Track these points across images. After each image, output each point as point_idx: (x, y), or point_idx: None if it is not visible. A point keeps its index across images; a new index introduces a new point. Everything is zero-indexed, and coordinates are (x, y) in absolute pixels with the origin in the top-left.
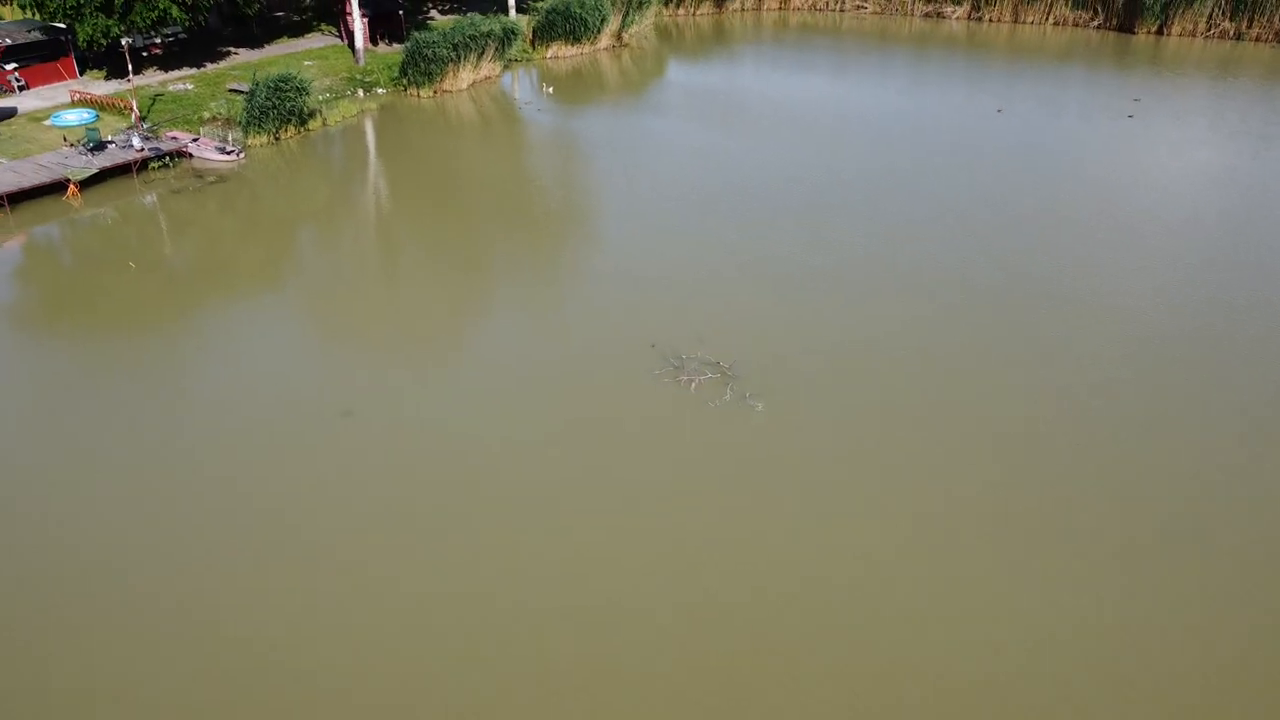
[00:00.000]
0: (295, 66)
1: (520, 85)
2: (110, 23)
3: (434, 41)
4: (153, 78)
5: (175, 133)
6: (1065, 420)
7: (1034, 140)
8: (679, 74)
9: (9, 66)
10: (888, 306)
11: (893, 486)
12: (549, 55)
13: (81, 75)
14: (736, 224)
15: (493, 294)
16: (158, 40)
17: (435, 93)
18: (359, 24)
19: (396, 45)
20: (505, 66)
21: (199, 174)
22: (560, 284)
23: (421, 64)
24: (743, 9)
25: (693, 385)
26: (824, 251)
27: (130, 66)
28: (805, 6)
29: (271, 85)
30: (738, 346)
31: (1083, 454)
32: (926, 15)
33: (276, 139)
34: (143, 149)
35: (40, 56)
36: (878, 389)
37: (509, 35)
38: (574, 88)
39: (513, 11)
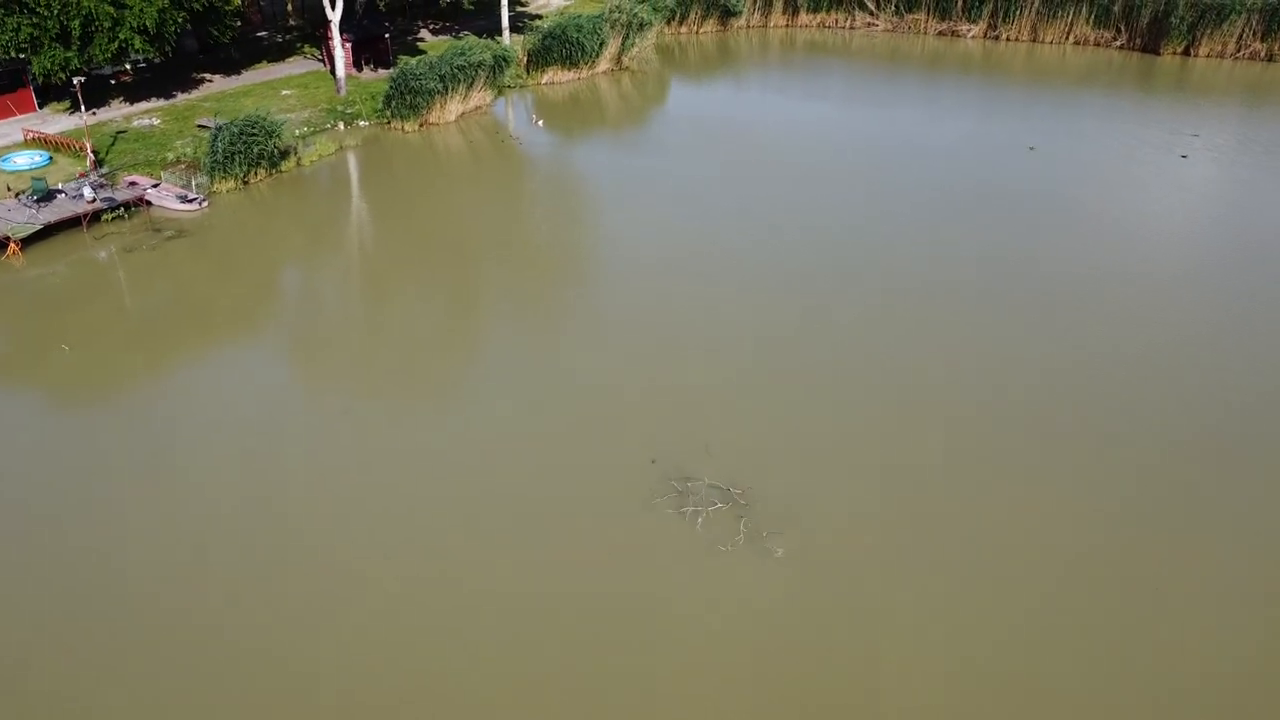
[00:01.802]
0: (272, 97)
1: (512, 115)
2: (69, 54)
3: (420, 73)
4: (117, 110)
5: (135, 177)
6: (1137, 571)
7: (1077, 188)
8: (680, 101)
9: None
10: (926, 419)
11: (950, 670)
12: (544, 81)
13: (42, 108)
14: (743, 297)
15: (467, 386)
16: (126, 67)
17: (421, 125)
18: (339, 51)
19: (383, 71)
20: (498, 94)
21: (157, 227)
22: (545, 372)
23: (406, 96)
24: (748, 26)
25: (699, 520)
26: (843, 339)
27: (83, 107)
28: (813, 24)
29: (236, 129)
30: (751, 462)
31: (1137, 592)
32: (941, 33)
33: (245, 183)
34: (94, 199)
35: None
36: (920, 528)
37: (501, 63)
38: (569, 118)
39: (507, 35)
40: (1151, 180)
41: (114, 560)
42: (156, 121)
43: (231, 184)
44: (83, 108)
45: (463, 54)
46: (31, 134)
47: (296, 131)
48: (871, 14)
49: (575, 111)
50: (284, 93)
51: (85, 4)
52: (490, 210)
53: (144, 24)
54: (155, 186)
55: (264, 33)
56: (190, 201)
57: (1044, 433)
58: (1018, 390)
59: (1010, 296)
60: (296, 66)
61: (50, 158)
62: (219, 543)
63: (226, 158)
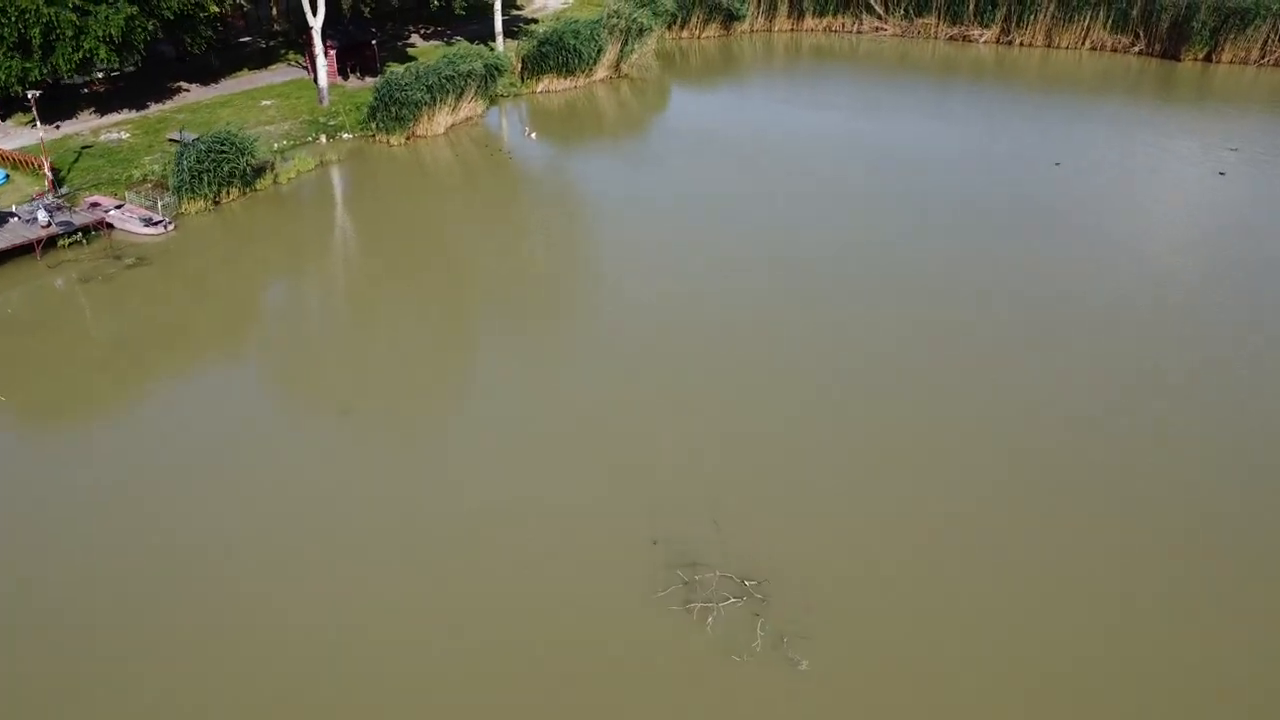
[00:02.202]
0: (251, 108)
1: (506, 126)
2: (29, 64)
3: (406, 83)
4: (85, 123)
5: (98, 198)
6: (1200, 668)
7: (1110, 209)
8: (681, 110)
9: None
10: (963, 484)
11: None
12: (539, 89)
13: (4, 120)
14: (750, 334)
15: (447, 436)
16: (98, 77)
17: (408, 138)
18: (321, 59)
19: (369, 80)
20: (490, 103)
21: (118, 253)
22: (532, 424)
23: (392, 108)
24: (751, 30)
25: (709, 619)
26: (865, 388)
27: (39, 121)
28: (819, 28)
29: (203, 147)
30: (767, 541)
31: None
32: (952, 38)
33: (216, 203)
34: (49, 224)
35: None
36: (971, 631)
37: (493, 72)
38: (564, 129)
39: (500, 41)
40: (1187, 198)
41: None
42: (125, 135)
43: (201, 204)
44: (38, 123)
45: (452, 63)
46: None
47: (275, 146)
48: (880, 18)
49: (571, 121)
50: (264, 103)
51: (45, 12)
52: (479, 232)
53: (109, 33)
54: (119, 208)
55: (248, 38)
56: (155, 224)
57: (1090, 508)
58: (1053, 450)
59: (1045, 339)
60: (279, 74)
61: (6, 176)
62: (175, 587)
63: (194, 177)
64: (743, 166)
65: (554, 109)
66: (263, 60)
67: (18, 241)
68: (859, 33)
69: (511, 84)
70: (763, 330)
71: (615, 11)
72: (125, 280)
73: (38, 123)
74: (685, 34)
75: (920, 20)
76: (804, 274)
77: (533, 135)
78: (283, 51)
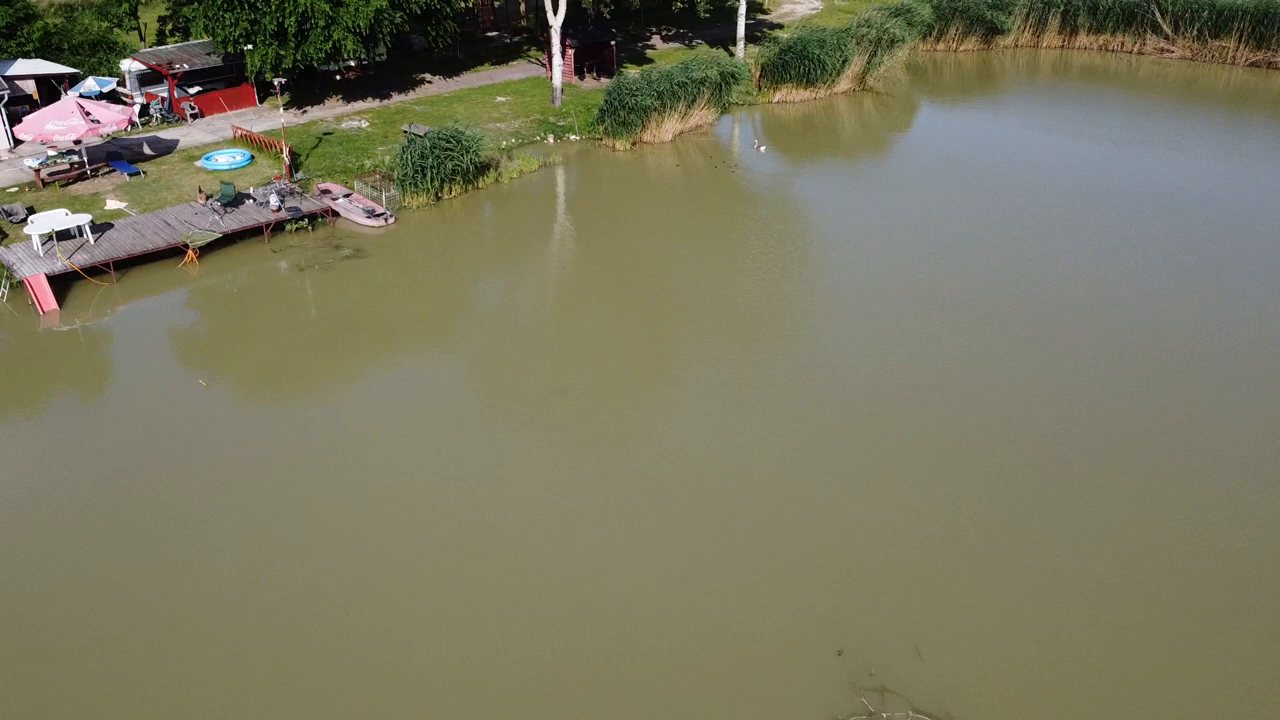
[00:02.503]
0: (485, 104)
1: (736, 136)
2: (284, 52)
3: (636, 89)
4: (331, 109)
5: (329, 185)
6: None
7: None
8: (927, 131)
9: (190, 91)
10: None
11: None
12: (776, 99)
13: (261, 103)
14: (986, 407)
15: (622, 481)
16: (351, 64)
17: (634, 143)
18: (558, 59)
19: (605, 80)
20: (723, 111)
21: (337, 243)
22: (718, 477)
23: (620, 112)
24: (1016, 45)
25: None
26: (1114, 495)
27: (282, 107)
28: (1093, 47)
29: (428, 143)
30: (981, 680)
31: None
32: (1253, 64)
33: (438, 198)
34: (279, 209)
35: (222, 82)
36: None
37: (728, 80)
38: (798, 144)
39: (741, 46)
40: None
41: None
42: (365, 124)
43: (424, 198)
44: (281, 109)
45: (686, 69)
46: (240, 131)
47: (503, 143)
48: (1166, 38)
49: (807, 136)
50: (498, 99)
51: (302, 1)
52: (692, 250)
53: (358, 24)
54: (347, 197)
55: (495, 32)
56: (376, 217)
57: None
58: None
59: None
60: (518, 71)
61: (251, 157)
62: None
63: (417, 172)
64: (990, 202)
65: (789, 121)
66: (505, 56)
67: (249, 225)
68: (1140, 53)
69: (747, 92)
70: (993, 388)
71: (866, 21)
72: (341, 270)
73: (281, 108)
74: (941, 46)
75: (1216, 42)
76: (1054, 337)
77: (762, 149)
78: (526, 48)
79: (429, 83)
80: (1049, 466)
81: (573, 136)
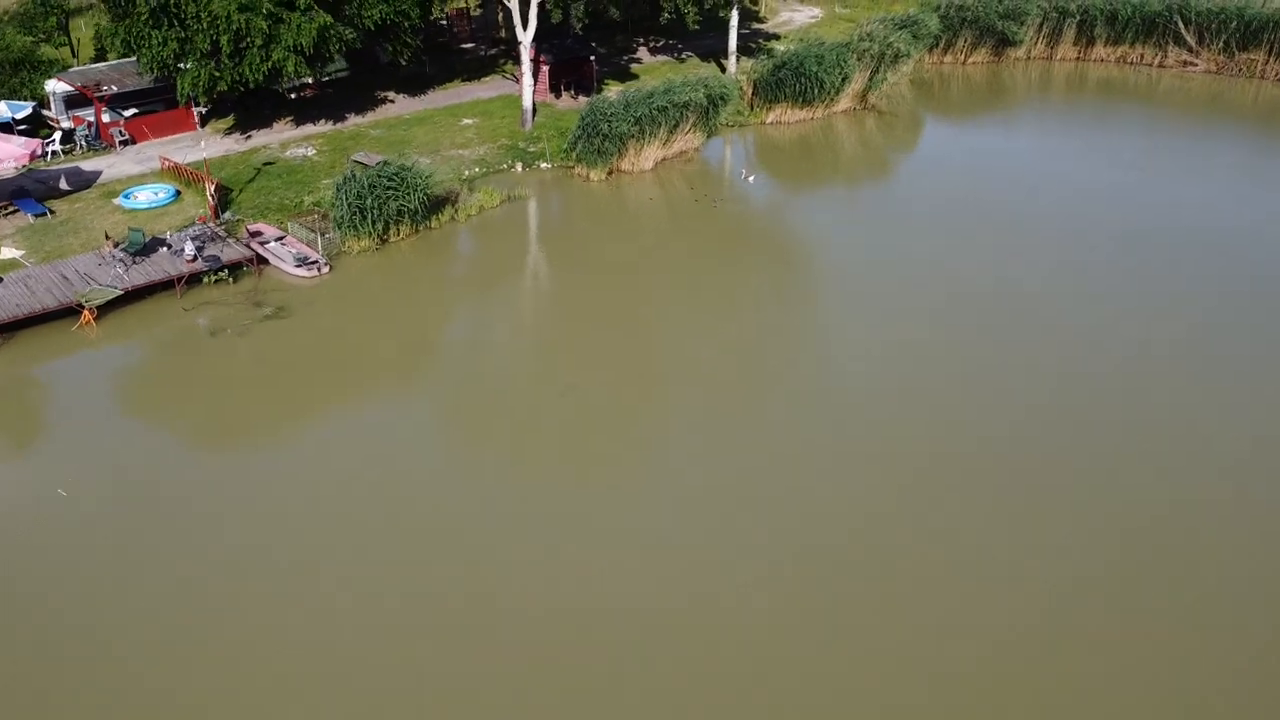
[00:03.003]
0: (449, 127)
1: (727, 160)
2: (218, 74)
3: (612, 114)
4: (278, 134)
5: (260, 225)
6: None
7: None
8: (933, 154)
9: (125, 115)
10: None
11: None
12: (770, 119)
13: (203, 127)
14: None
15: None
16: (308, 82)
17: (611, 173)
18: (528, 78)
19: (584, 99)
20: (710, 134)
21: (258, 299)
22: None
23: (595, 140)
24: (1028, 57)
25: None
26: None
27: (202, 134)
28: (1111, 58)
29: (366, 181)
30: None
31: None
32: None
33: (384, 240)
34: (195, 258)
35: (161, 104)
36: None
37: (716, 103)
38: (790, 171)
39: (733, 61)
40: None
41: None
42: (312, 152)
43: (366, 242)
44: (223, 134)
45: (669, 92)
46: (167, 163)
47: (465, 173)
48: (1190, 50)
49: (802, 162)
50: (465, 121)
51: (235, 19)
52: (669, 304)
53: (299, 43)
54: (280, 240)
55: (472, 44)
56: (309, 265)
57: None
58: None
59: None
60: (490, 88)
61: (177, 194)
62: None
63: (355, 214)
64: (998, 241)
65: (783, 143)
66: (479, 70)
67: (157, 278)
68: (1161, 66)
69: (739, 112)
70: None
71: (869, 34)
72: (259, 335)
73: (222, 135)
74: (948, 59)
75: (1243, 55)
76: (1077, 412)
77: (751, 179)
78: (502, 62)
79: (391, 102)
80: (1094, 582)
81: (544, 164)
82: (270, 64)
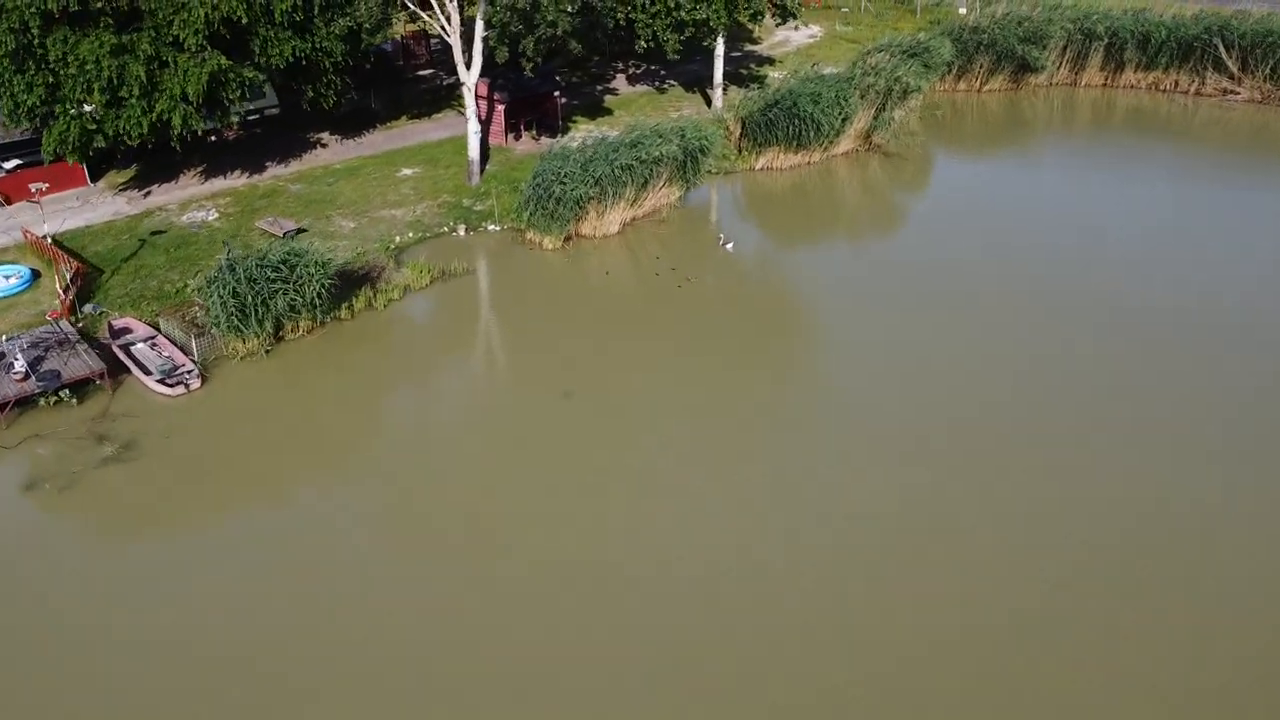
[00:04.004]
0: (384, 180)
1: (713, 212)
2: (92, 127)
3: (566, 175)
4: (181, 190)
5: (129, 320)
6: None
7: None
8: (941, 204)
9: (7, 167)
10: None
11: None
12: (759, 165)
13: (95, 182)
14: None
15: None
16: (232, 122)
17: (568, 239)
18: (473, 123)
19: (548, 141)
20: (688, 188)
21: (106, 428)
22: None
23: (547, 203)
24: (1050, 84)
25: None
26: None
27: (44, 215)
28: (1142, 84)
29: (243, 273)
30: None
31: None
32: None
33: (278, 338)
34: (26, 374)
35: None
36: None
37: (694, 156)
38: (782, 229)
39: (719, 94)
40: None
41: None
42: (213, 216)
43: (253, 343)
44: (43, 217)
45: (635, 145)
46: (30, 237)
47: (395, 240)
48: (1232, 77)
49: (794, 218)
50: (403, 172)
51: (106, 64)
52: (621, 426)
53: (187, 91)
54: (150, 340)
55: (430, 70)
56: (175, 379)
57: None
58: None
59: None
60: (441, 127)
61: (33, 277)
62: None
63: (233, 314)
64: (1019, 325)
65: (774, 194)
66: (432, 105)
67: None
68: (1198, 94)
69: (724, 156)
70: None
71: (873, 67)
72: (86, 490)
73: (45, 220)
74: (962, 86)
75: None
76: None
77: (729, 245)
78: (459, 93)
79: (322, 146)
80: None
81: (491, 226)
82: (154, 116)
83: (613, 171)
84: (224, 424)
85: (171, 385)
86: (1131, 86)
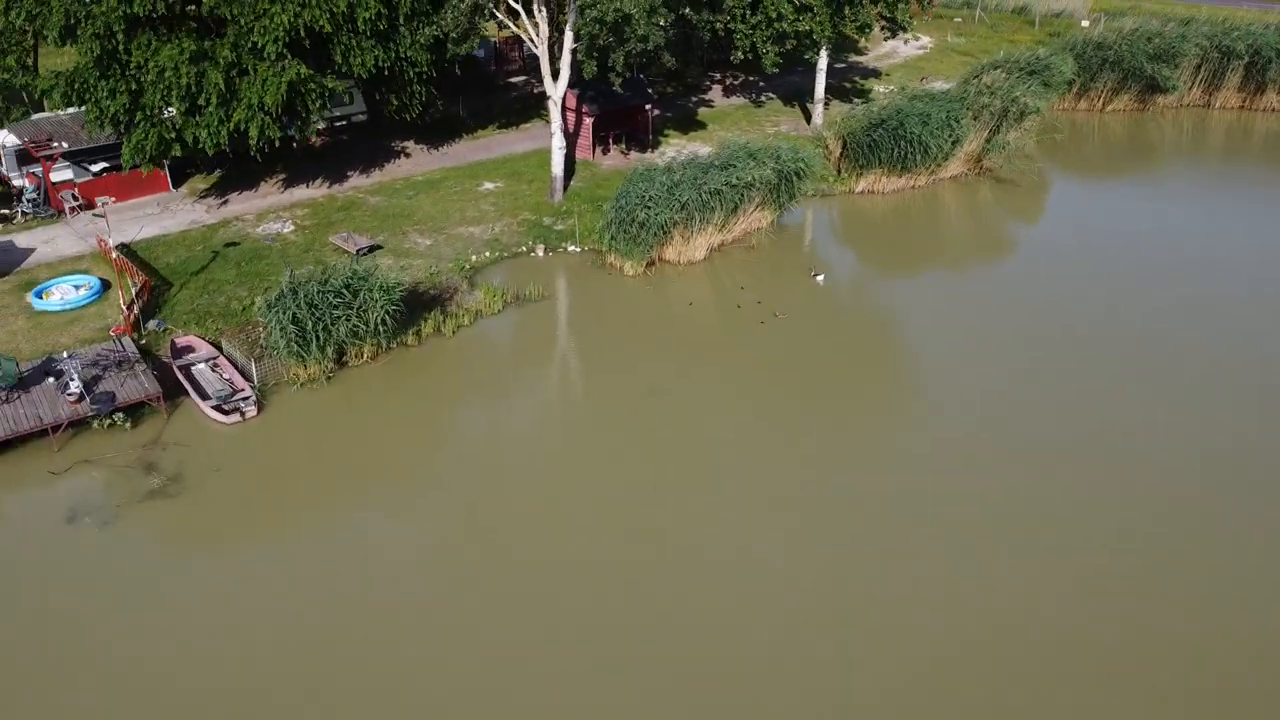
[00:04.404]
0: (465, 194)
1: (796, 251)
2: (169, 136)
3: (650, 200)
4: (261, 199)
5: (191, 339)
6: None
7: None
8: (1061, 238)
9: (93, 170)
10: None
11: None
12: (860, 188)
13: (177, 188)
14: None
15: None
16: (319, 126)
17: (651, 264)
18: (558, 138)
19: (637, 155)
20: (781, 212)
21: (156, 456)
22: None
23: (630, 227)
24: (1180, 104)
25: None
26: None
27: (108, 229)
28: None
29: (306, 296)
30: None
31: None
32: None
33: (341, 364)
34: (81, 396)
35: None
36: None
37: (790, 178)
38: (884, 259)
39: (819, 110)
40: None
41: None
42: (289, 228)
43: (315, 368)
44: (109, 233)
45: (727, 168)
46: (103, 245)
47: (471, 259)
48: None
49: (893, 247)
50: (484, 186)
51: (185, 71)
52: (686, 476)
53: (263, 100)
54: (212, 362)
55: (522, 78)
56: (231, 407)
57: None
58: None
59: None
60: (528, 138)
61: (102, 287)
62: None
63: (295, 341)
64: (1148, 376)
65: (874, 220)
66: (521, 113)
67: (23, 428)
68: None
69: (823, 177)
70: None
71: (989, 87)
72: (124, 528)
73: (109, 233)
74: (1082, 105)
75: None
76: None
77: (820, 278)
78: (547, 103)
79: (406, 156)
80: None
81: (571, 247)
82: (232, 126)
83: (701, 196)
84: (275, 457)
85: (227, 412)
86: (1273, 110)
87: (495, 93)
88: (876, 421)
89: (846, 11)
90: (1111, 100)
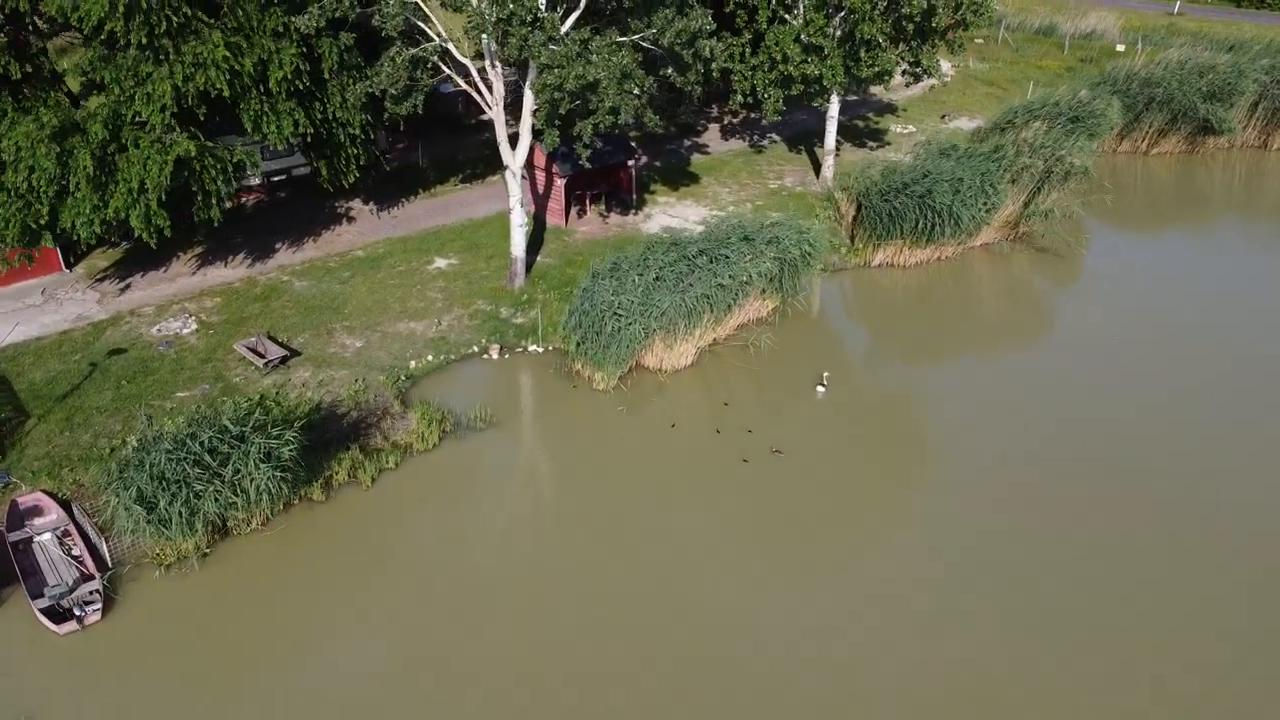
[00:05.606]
0: (413, 274)
1: (801, 350)
2: (35, 225)
3: (618, 305)
4: (170, 284)
5: (40, 497)
6: None
7: None
8: (1108, 341)
9: None
10: None
11: None
12: (876, 260)
13: (70, 268)
14: None
15: None
16: (254, 182)
17: (627, 373)
18: (517, 216)
19: (617, 220)
20: (785, 300)
21: None
22: None
23: (600, 336)
24: (1230, 146)
25: None
26: None
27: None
28: None
29: (161, 460)
30: None
31: None
32: None
33: (223, 530)
34: None
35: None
36: None
37: (794, 265)
38: (900, 354)
39: (830, 162)
40: None
41: None
42: (192, 328)
43: (186, 543)
44: (60, 293)
45: (715, 261)
46: None
47: (411, 363)
48: None
49: (919, 338)
50: (435, 264)
51: (43, 154)
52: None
53: (145, 185)
54: (60, 531)
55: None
56: (64, 605)
57: None
58: None
59: None
60: (490, 198)
61: None
62: None
63: (145, 521)
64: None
65: (895, 300)
66: (487, 163)
67: None
68: None
69: (834, 246)
70: None
71: (1029, 143)
72: None
73: (88, 286)
74: (1125, 146)
75: None
76: None
77: (821, 390)
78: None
79: (349, 221)
80: None
81: (533, 347)
82: (109, 213)
83: (686, 303)
84: (113, 690)
85: (55, 622)
86: None
87: (463, 134)
88: (884, 588)
89: (863, 55)
90: (1158, 142)
